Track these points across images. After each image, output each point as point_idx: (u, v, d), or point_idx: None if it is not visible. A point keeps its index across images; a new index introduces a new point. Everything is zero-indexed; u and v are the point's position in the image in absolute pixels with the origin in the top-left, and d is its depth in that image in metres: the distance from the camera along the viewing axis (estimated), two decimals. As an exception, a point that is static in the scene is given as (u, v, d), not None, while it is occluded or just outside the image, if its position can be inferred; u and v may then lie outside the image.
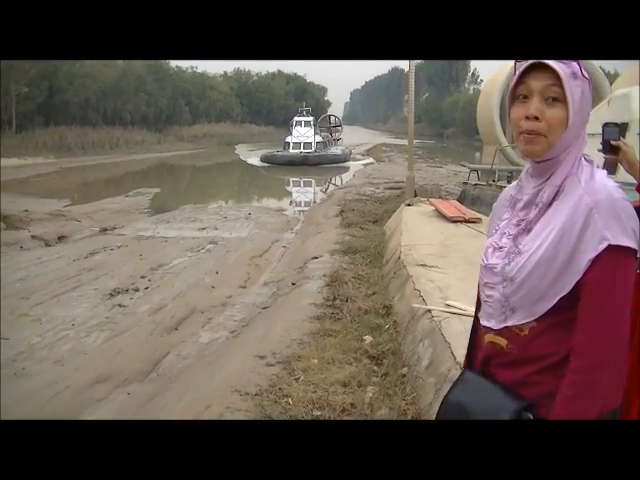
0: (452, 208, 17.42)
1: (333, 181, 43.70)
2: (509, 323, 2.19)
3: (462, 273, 10.04)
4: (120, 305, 12.25)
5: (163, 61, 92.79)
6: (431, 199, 20.04)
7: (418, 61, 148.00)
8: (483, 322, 2.31)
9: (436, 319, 7.72)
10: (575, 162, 2.17)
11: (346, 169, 51.44)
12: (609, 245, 2.02)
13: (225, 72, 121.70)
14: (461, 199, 22.67)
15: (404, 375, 7.21)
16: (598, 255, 2.03)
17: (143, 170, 52.93)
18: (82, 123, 69.90)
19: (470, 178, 25.58)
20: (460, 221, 15.76)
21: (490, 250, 2.29)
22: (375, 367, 7.61)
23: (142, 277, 14.48)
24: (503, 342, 2.21)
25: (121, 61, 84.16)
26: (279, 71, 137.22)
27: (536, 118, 2.09)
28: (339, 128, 73.35)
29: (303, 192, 40.04)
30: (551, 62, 2.06)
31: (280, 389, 6.96)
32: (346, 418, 6.25)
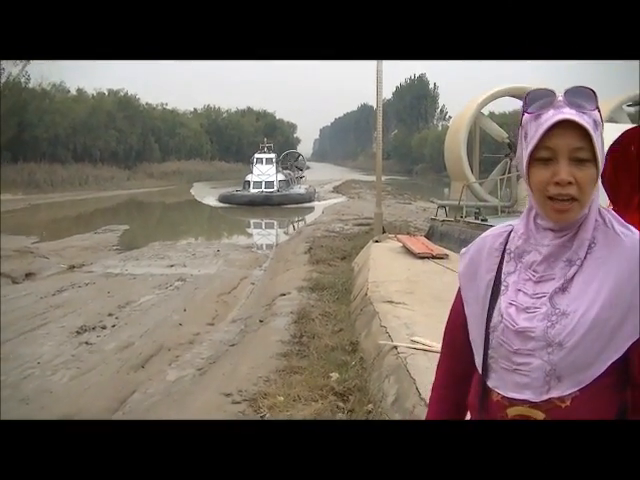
0: (419, 244, 17.52)
1: (296, 222, 41.57)
2: (553, 394, 1.91)
3: (429, 309, 10.10)
4: (87, 343, 12.17)
5: (133, 98, 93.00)
6: (399, 235, 20.16)
7: (386, 98, 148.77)
8: (508, 394, 1.98)
9: (402, 355, 7.76)
10: (596, 210, 1.98)
11: (311, 209, 48.80)
12: None
13: (195, 109, 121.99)
14: (429, 235, 22.82)
15: (370, 411, 7.24)
16: None
17: (112, 207, 52.61)
18: (51, 160, 69.26)
19: (438, 214, 25.75)
20: (427, 257, 15.86)
21: (513, 311, 1.99)
22: (341, 404, 7.64)
23: (110, 315, 14.37)
24: (540, 416, 1.93)
25: (91, 97, 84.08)
26: (249, 108, 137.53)
27: (569, 183, 1.86)
28: (303, 165, 69.96)
29: (265, 234, 38.11)
30: (576, 117, 1.84)
31: (246, 427, 6.97)
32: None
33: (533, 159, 1.91)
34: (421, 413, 6.08)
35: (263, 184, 54.50)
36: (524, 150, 1.94)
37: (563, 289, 1.93)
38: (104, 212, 48.00)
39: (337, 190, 69.32)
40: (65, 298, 16.26)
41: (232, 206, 50.58)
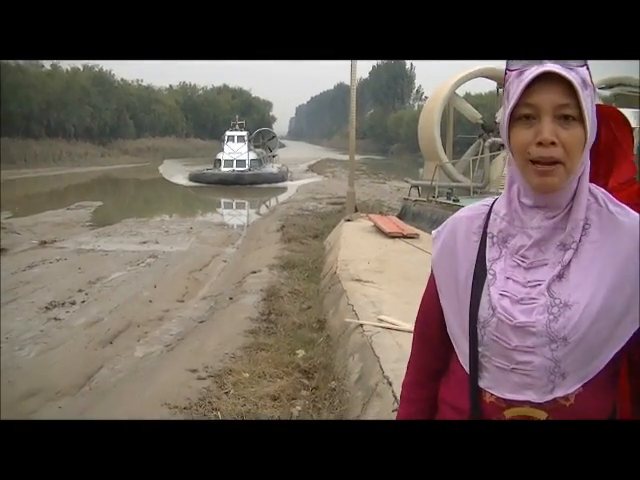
0: (390, 224, 17.59)
1: (267, 203, 40.33)
2: (558, 394, 1.76)
3: (396, 288, 10.18)
4: (56, 318, 12.14)
5: (108, 73, 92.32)
6: (370, 215, 20.23)
7: (363, 77, 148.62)
8: (505, 395, 1.81)
9: (367, 334, 7.82)
10: (587, 186, 1.82)
11: (284, 189, 47.44)
12: None
13: (171, 85, 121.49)
14: (401, 215, 22.90)
15: (333, 389, 7.29)
16: None
17: (86, 183, 52.25)
18: (25, 135, 68.68)
19: (411, 194, 25.81)
20: (398, 237, 15.94)
21: (507, 303, 1.80)
22: (306, 381, 7.68)
23: (80, 290, 14.34)
24: (542, 416, 1.78)
25: (65, 72, 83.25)
26: (225, 85, 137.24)
27: (552, 143, 1.69)
28: (275, 144, 67.31)
29: (235, 215, 36.76)
30: (561, 71, 1.69)
31: (210, 402, 7.02)
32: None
33: (514, 119, 1.75)
34: (383, 391, 6.14)
35: (234, 163, 53.38)
36: (505, 110, 1.78)
37: (560, 276, 1.77)
38: (77, 188, 47.66)
39: (312, 169, 69.26)
40: (35, 274, 16.19)
41: (202, 185, 49.27)
